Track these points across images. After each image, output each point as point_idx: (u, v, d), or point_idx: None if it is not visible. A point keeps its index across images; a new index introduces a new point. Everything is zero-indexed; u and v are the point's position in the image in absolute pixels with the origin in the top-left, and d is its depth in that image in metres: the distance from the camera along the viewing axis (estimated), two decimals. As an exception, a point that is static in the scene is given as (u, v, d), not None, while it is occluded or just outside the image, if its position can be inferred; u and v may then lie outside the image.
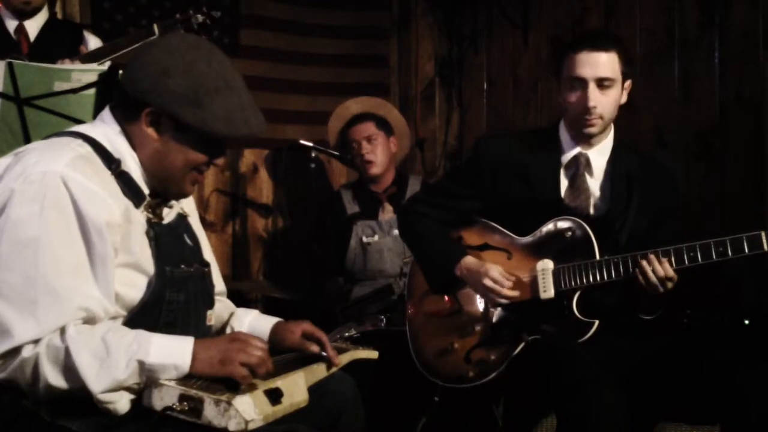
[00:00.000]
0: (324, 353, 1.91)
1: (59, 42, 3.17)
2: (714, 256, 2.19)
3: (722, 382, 2.11)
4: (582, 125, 2.42)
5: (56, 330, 1.60)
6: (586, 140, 2.47)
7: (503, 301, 2.43)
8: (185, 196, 1.89)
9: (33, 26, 3.17)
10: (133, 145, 1.78)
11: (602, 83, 2.37)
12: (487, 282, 2.41)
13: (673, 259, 2.24)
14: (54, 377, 1.59)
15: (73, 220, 1.63)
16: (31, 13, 3.16)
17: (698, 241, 2.22)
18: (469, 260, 2.48)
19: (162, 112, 1.73)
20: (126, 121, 1.78)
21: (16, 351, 1.59)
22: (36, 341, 1.59)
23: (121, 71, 1.93)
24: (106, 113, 1.81)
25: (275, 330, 1.99)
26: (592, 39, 2.40)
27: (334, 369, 1.91)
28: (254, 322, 2.03)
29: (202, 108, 1.71)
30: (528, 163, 2.49)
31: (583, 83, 2.37)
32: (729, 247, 2.17)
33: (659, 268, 2.23)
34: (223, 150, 1.83)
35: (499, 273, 2.43)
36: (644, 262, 2.25)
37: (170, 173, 1.79)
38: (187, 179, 1.82)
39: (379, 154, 3.64)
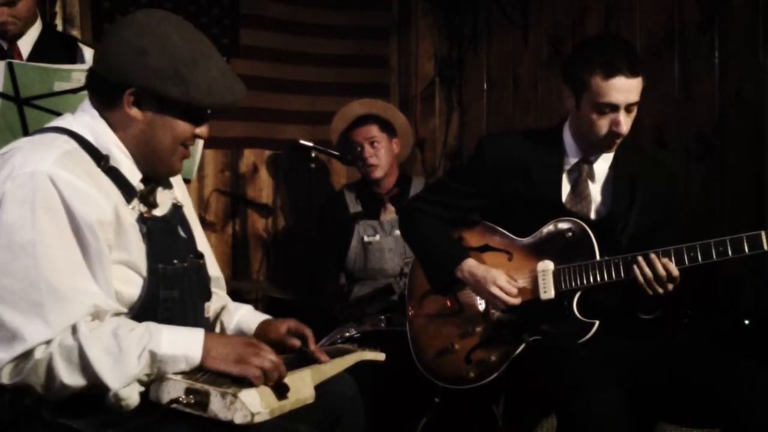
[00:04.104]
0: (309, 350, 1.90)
1: (54, 56, 3.13)
2: (714, 256, 2.19)
3: (722, 382, 2.11)
4: (605, 146, 2.40)
5: (67, 329, 1.60)
6: (592, 150, 2.46)
7: (510, 305, 2.42)
8: (176, 173, 1.90)
9: (26, 42, 3.10)
10: (117, 132, 1.77)
11: (630, 107, 2.33)
12: (494, 290, 2.41)
13: (673, 259, 2.24)
14: (68, 376, 1.59)
15: (65, 220, 1.63)
16: (14, 38, 3.07)
17: (698, 241, 2.22)
18: (471, 263, 2.47)
19: (144, 91, 1.73)
20: (106, 107, 1.77)
21: (28, 354, 1.59)
22: (47, 342, 1.59)
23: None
24: (86, 104, 1.80)
25: (262, 325, 2.00)
26: (626, 63, 2.29)
27: (340, 369, 1.91)
28: (244, 318, 2.03)
29: (183, 81, 1.72)
30: (530, 164, 2.48)
31: (613, 109, 2.32)
32: (729, 247, 2.17)
33: (660, 268, 2.23)
34: (206, 119, 1.83)
35: (506, 280, 2.42)
36: (643, 262, 2.24)
37: (159, 152, 1.80)
38: (177, 155, 1.83)
39: (381, 157, 3.65)
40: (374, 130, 3.67)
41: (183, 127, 1.79)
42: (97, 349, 1.60)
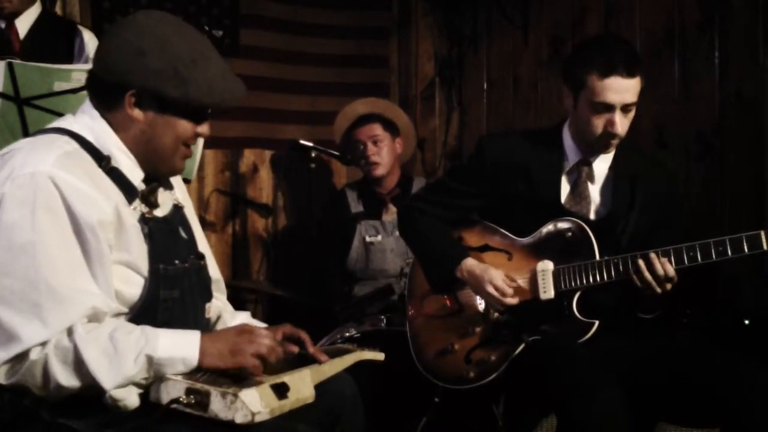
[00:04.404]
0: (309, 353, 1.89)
1: (52, 39, 3.11)
2: (714, 256, 2.20)
3: (722, 382, 2.11)
4: (601, 146, 2.40)
5: (63, 330, 1.60)
6: (591, 150, 2.45)
7: (506, 305, 2.42)
8: (178, 172, 1.90)
9: (23, 24, 3.07)
10: (118, 133, 1.78)
11: (627, 107, 2.33)
12: (490, 289, 2.41)
13: (672, 259, 2.24)
14: (64, 377, 1.60)
15: (65, 220, 1.63)
16: (11, 17, 3.07)
17: (698, 241, 2.22)
18: (471, 263, 2.47)
19: (145, 92, 1.73)
20: (106, 108, 1.78)
21: (24, 355, 1.59)
22: (43, 344, 1.59)
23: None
24: (87, 105, 1.81)
25: None
26: (623, 62, 2.29)
27: (340, 369, 1.91)
28: None
29: (183, 81, 1.72)
30: (530, 165, 2.48)
31: (609, 109, 2.32)
32: (728, 247, 2.17)
33: (659, 268, 2.23)
34: (206, 118, 1.84)
35: (502, 280, 2.42)
36: (642, 262, 2.24)
37: (161, 152, 1.80)
38: (179, 155, 1.83)
39: (384, 155, 3.66)
40: (377, 129, 3.68)
41: (184, 126, 1.79)
42: (93, 351, 1.60)
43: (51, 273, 1.60)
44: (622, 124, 2.34)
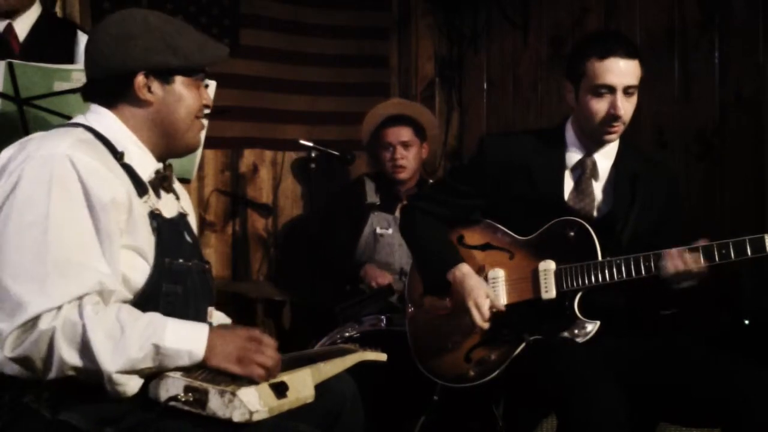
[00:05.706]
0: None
1: (52, 41, 3.11)
2: (717, 259, 2.20)
3: (722, 383, 2.11)
4: (605, 133, 2.40)
5: (71, 301, 1.61)
6: (595, 144, 2.46)
7: (479, 327, 2.41)
8: (196, 147, 1.95)
9: (22, 26, 3.07)
10: (128, 124, 1.82)
11: (628, 90, 2.34)
12: (470, 305, 2.40)
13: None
14: (68, 353, 1.60)
15: (80, 198, 1.66)
16: (11, 14, 3.06)
17: (697, 241, 2.23)
18: (466, 271, 2.45)
19: (150, 70, 1.80)
20: (113, 104, 1.83)
21: (33, 324, 1.59)
22: (52, 316, 1.59)
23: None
24: (93, 105, 1.85)
25: None
26: (621, 46, 2.33)
27: (341, 368, 1.91)
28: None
29: (176, 49, 1.81)
30: (532, 164, 2.48)
31: (610, 91, 2.33)
32: (732, 250, 2.17)
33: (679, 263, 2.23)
34: (204, 77, 1.92)
35: (486, 304, 2.40)
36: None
37: (177, 128, 1.86)
38: (194, 128, 1.89)
39: (411, 160, 3.66)
40: (408, 134, 3.67)
41: (191, 97, 1.86)
42: (100, 331, 1.60)
43: (60, 247, 1.62)
44: (624, 107, 2.34)
